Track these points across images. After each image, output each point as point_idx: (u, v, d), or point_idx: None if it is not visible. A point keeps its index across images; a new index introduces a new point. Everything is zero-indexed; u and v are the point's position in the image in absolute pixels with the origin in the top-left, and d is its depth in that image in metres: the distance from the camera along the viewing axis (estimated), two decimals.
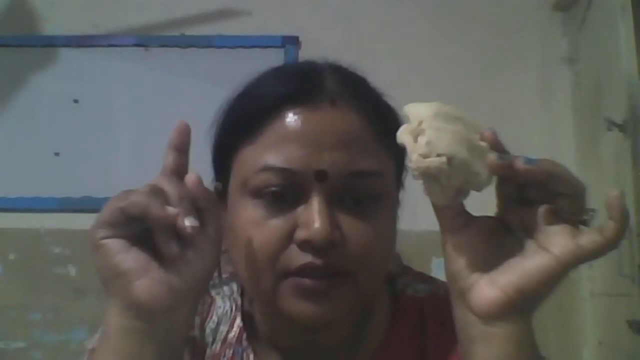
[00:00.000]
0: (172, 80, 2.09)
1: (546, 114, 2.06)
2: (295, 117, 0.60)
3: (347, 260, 0.58)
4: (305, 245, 0.57)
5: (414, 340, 0.67)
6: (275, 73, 0.67)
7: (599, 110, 1.77)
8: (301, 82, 0.63)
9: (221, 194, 0.65)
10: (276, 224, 0.58)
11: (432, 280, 0.73)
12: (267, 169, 0.59)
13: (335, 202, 0.59)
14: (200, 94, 2.00)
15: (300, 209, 0.58)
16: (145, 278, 0.51)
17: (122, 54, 2.11)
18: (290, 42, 2.08)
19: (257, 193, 0.60)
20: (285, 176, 0.59)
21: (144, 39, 2.12)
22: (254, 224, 0.59)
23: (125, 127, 2.08)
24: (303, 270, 0.57)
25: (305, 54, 1.71)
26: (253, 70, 0.67)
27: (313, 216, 0.57)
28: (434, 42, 2.10)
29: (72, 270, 2.00)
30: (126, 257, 0.52)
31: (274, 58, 1.95)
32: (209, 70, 2.06)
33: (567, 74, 2.07)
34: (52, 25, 2.15)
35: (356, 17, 2.13)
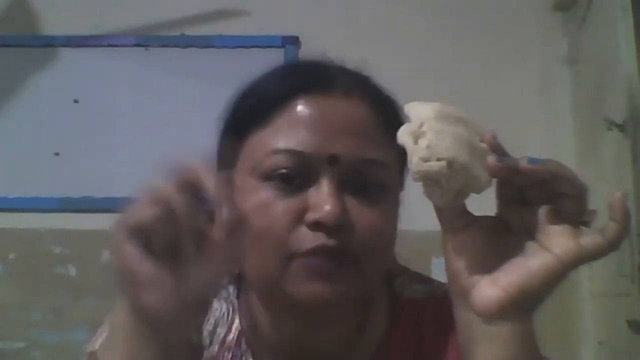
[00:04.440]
0: (172, 80, 2.08)
1: (546, 114, 2.06)
2: (309, 103, 0.62)
3: (354, 244, 0.59)
4: (317, 227, 0.58)
5: (412, 342, 0.67)
6: (288, 65, 0.70)
7: (599, 110, 1.76)
8: (315, 73, 0.65)
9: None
10: (285, 205, 0.59)
11: (430, 280, 0.73)
12: (278, 151, 0.60)
13: (343, 187, 0.60)
14: (200, 94, 2.00)
15: (311, 191, 0.59)
16: (158, 288, 0.49)
17: (122, 54, 2.11)
18: (290, 42, 2.08)
19: (267, 176, 0.60)
20: (296, 159, 0.59)
21: (144, 39, 2.12)
22: (263, 205, 0.60)
23: (125, 127, 2.08)
24: (315, 252, 0.58)
25: (305, 54, 1.71)
26: (253, 70, 0.68)
27: (325, 198, 0.58)
28: (434, 43, 2.09)
29: (72, 270, 2.00)
30: (143, 266, 0.49)
31: (274, 58, 1.94)
32: (209, 70, 2.05)
33: (567, 74, 2.07)
34: (52, 25, 2.14)
35: (356, 17, 2.13)
